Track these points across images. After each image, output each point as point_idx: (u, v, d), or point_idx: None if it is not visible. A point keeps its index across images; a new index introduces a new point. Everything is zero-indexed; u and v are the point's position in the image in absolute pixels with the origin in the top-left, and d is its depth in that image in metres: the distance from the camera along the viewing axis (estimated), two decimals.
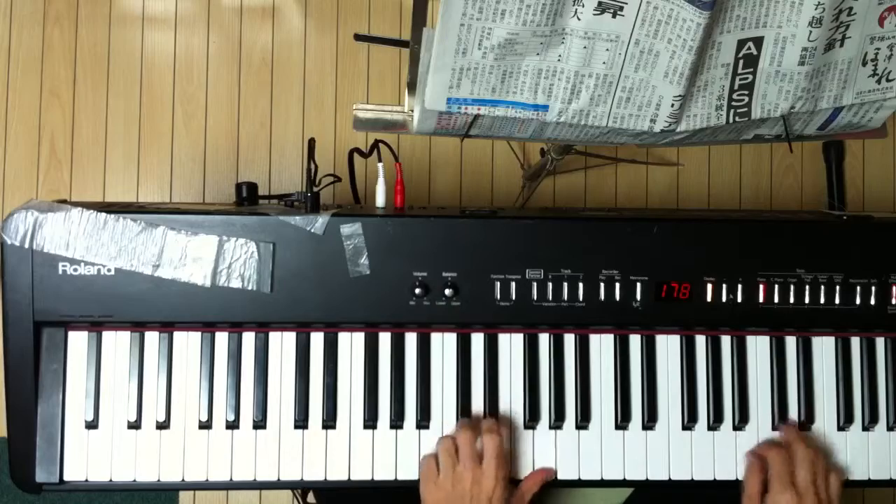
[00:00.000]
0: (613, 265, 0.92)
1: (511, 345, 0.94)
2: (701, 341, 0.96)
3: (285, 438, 0.92)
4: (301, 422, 0.92)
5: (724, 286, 0.93)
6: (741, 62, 0.82)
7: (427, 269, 0.91)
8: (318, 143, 0.97)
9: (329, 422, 0.92)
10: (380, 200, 0.97)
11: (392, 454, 0.92)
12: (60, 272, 0.88)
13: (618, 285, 0.92)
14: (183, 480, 0.91)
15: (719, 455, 0.95)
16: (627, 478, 0.94)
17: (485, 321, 0.93)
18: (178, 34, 1.63)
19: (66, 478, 0.90)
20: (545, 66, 0.80)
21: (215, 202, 1.63)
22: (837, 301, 0.94)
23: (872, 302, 0.94)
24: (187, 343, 0.92)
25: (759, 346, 0.96)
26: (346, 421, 0.92)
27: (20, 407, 0.89)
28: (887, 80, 0.86)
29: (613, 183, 1.66)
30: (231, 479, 0.91)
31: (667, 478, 0.94)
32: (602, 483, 0.93)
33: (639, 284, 0.93)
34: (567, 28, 0.77)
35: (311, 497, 1.23)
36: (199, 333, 0.92)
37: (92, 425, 0.90)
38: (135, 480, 0.91)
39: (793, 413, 0.95)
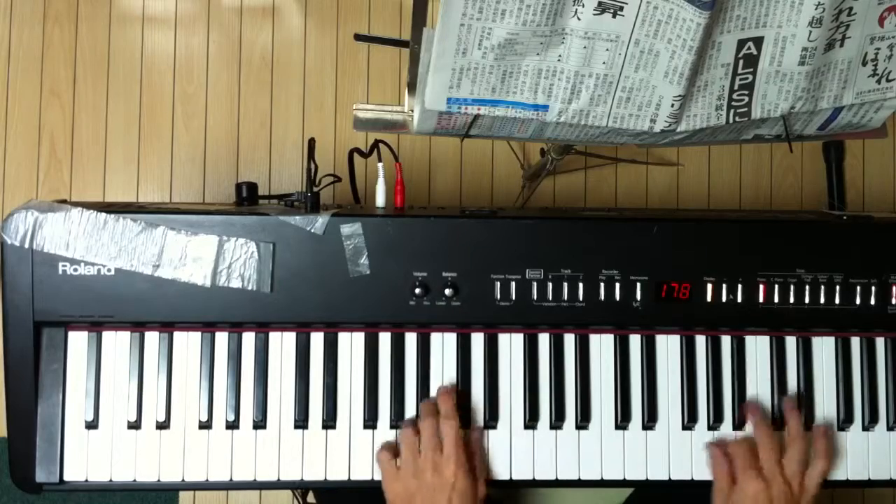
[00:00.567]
0: (613, 265, 0.92)
1: (511, 345, 0.94)
2: (701, 341, 0.96)
3: (285, 438, 0.92)
4: (301, 422, 0.92)
5: (724, 286, 0.93)
6: (741, 62, 0.82)
7: (427, 269, 0.91)
8: (318, 143, 0.97)
9: (329, 422, 0.92)
10: (380, 200, 0.97)
11: None
12: (60, 272, 0.88)
13: (618, 285, 0.92)
14: (183, 480, 0.91)
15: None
16: (627, 478, 0.94)
17: (485, 321, 0.93)
18: (178, 34, 1.63)
19: (66, 478, 0.90)
20: (545, 66, 0.80)
21: (215, 202, 1.63)
22: (837, 301, 0.94)
23: (872, 302, 0.95)
24: (187, 343, 0.92)
25: (759, 346, 0.96)
26: (346, 421, 0.92)
27: (20, 407, 0.89)
28: (887, 80, 0.86)
29: (613, 183, 1.66)
30: (231, 479, 0.91)
31: (667, 478, 0.94)
32: (602, 483, 0.93)
33: (639, 284, 0.93)
34: (567, 28, 0.77)
35: (311, 497, 1.23)
36: (199, 333, 0.92)
37: (92, 425, 0.90)
38: (135, 480, 0.91)
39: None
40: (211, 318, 0.91)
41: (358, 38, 1.16)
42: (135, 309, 0.89)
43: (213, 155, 1.62)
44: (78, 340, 0.91)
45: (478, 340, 0.94)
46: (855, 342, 0.97)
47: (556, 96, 0.81)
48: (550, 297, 0.92)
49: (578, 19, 0.76)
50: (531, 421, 0.93)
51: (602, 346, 0.95)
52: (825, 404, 0.96)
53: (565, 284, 0.92)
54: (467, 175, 1.64)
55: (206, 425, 0.91)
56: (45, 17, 1.61)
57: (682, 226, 0.94)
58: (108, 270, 0.88)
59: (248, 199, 0.97)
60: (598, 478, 0.93)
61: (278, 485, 0.93)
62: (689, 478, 0.94)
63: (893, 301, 0.95)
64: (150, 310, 0.89)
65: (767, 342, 0.96)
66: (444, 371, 0.93)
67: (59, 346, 0.90)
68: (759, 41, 0.80)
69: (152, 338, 0.92)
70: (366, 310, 0.91)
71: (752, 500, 0.87)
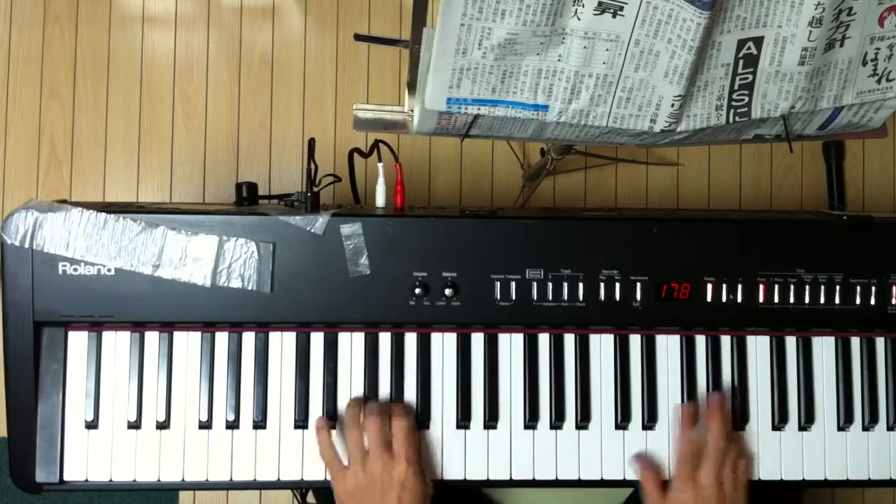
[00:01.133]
0: (613, 265, 0.92)
1: (511, 345, 0.94)
2: (701, 341, 0.96)
3: (285, 438, 0.92)
4: (301, 422, 0.92)
5: (724, 286, 0.93)
6: (741, 62, 0.82)
7: (427, 269, 0.91)
8: (318, 143, 0.97)
9: (329, 422, 0.92)
10: (380, 200, 0.97)
11: None
12: (60, 272, 0.88)
13: (618, 285, 0.92)
14: (183, 480, 0.91)
15: None
16: (627, 478, 0.94)
17: (485, 321, 0.93)
18: (178, 34, 1.63)
19: (66, 478, 0.90)
20: (545, 66, 0.80)
21: (215, 202, 1.63)
22: (837, 301, 0.94)
23: (872, 302, 0.95)
24: (187, 343, 0.92)
25: (759, 346, 0.96)
26: None
27: (20, 407, 0.89)
28: (887, 80, 0.86)
29: (613, 183, 1.66)
30: (231, 479, 0.91)
31: (667, 478, 0.93)
32: (602, 483, 0.93)
33: (639, 284, 0.93)
34: (567, 28, 0.77)
35: (310, 497, 1.23)
36: (199, 333, 0.92)
37: (92, 425, 0.90)
38: (135, 480, 0.91)
39: (793, 413, 0.95)
40: (211, 318, 0.91)
41: (358, 38, 1.15)
42: (135, 309, 0.89)
43: (213, 155, 1.62)
44: (78, 340, 0.91)
45: (478, 340, 0.94)
46: (855, 342, 0.97)
47: (556, 96, 0.81)
48: (550, 297, 0.92)
49: (578, 19, 0.76)
50: (531, 421, 0.93)
51: (602, 346, 0.95)
52: (825, 404, 0.96)
53: (565, 284, 0.92)
54: (467, 175, 1.64)
55: (206, 425, 0.91)
56: (45, 18, 1.61)
57: (682, 226, 0.94)
58: (108, 270, 0.88)
59: (248, 199, 0.97)
60: (599, 478, 0.93)
61: (278, 485, 0.93)
62: None
63: (893, 301, 0.95)
64: (150, 310, 0.89)
65: (767, 342, 0.96)
66: (444, 371, 0.93)
67: (59, 346, 0.90)
68: (759, 41, 0.80)
69: (152, 338, 0.92)
70: (366, 310, 0.91)
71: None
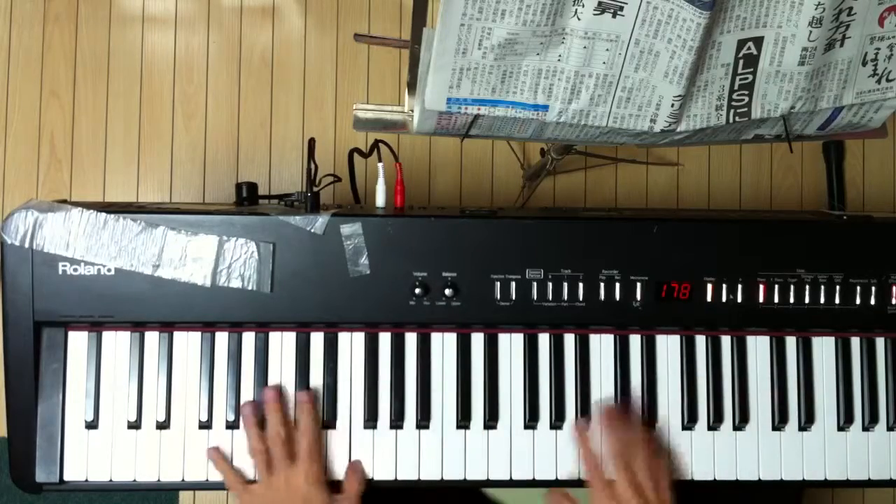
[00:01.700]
0: (613, 265, 0.92)
1: (511, 345, 0.94)
2: (701, 341, 0.96)
3: None
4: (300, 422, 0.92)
5: (724, 286, 0.93)
6: (741, 62, 0.82)
7: (427, 269, 0.91)
8: (318, 143, 0.96)
9: (329, 422, 0.92)
10: (380, 200, 0.97)
11: (392, 454, 0.92)
12: (60, 272, 0.88)
13: (618, 285, 0.92)
14: (183, 480, 0.91)
15: (719, 455, 0.95)
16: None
17: (485, 321, 0.93)
18: (178, 34, 1.63)
19: (66, 478, 0.90)
20: (545, 66, 0.80)
21: (215, 202, 1.63)
22: (837, 301, 0.94)
23: (872, 302, 0.95)
24: (187, 343, 0.92)
25: (759, 346, 0.96)
26: (346, 421, 0.92)
27: (20, 407, 0.89)
28: (887, 80, 0.86)
29: (613, 183, 1.66)
30: None
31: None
32: None
33: (639, 284, 0.93)
34: (567, 28, 0.77)
35: None
36: (199, 333, 0.92)
37: (92, 425, 0.90)
38: (135, 480, 0.91)
39: (793, 413, 0.95)
40: (211, 318, 0.91)
41: (358, 38, 1.16)
42: (135, 309, 0.89)
43: (213, 155, 1.62)
44: (78, 340, 0.91)
45: (478, 340, 0.94)
46: (855, 342, 0.97)
47: (556, 96, 0.81)
48: (550, 297, 0.92)
49: (578, 19, 0.76)
50: (531, 421, 0.93)
51: (602, 346, 0.95)
52: (825, 404, 0.96)
53: (565, 284, 0.92)
54: (467, 175, 1.64)
55: (206, 425, 0.91)
56: (45, 18, 1.61)
57: (682, 226, 0.94)
58: (108, 270, 0.88)
59: (248, 199, 0.97)
60: None
61: None
62: (689, 478, 0.94)
63: (893, 301, 0.95)
64: (150, 310, 0.89)
65: (767, 342, 0.96)
66: (444, 371, 0.93)
67: (59, 346, 0.90)
68: (759, 41, 0.80)
69: (152, 338, 0.92)
70: (366, 310, 0.91)
71: None
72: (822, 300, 0.94)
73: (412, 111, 0.88)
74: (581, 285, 0.92)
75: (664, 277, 0.93)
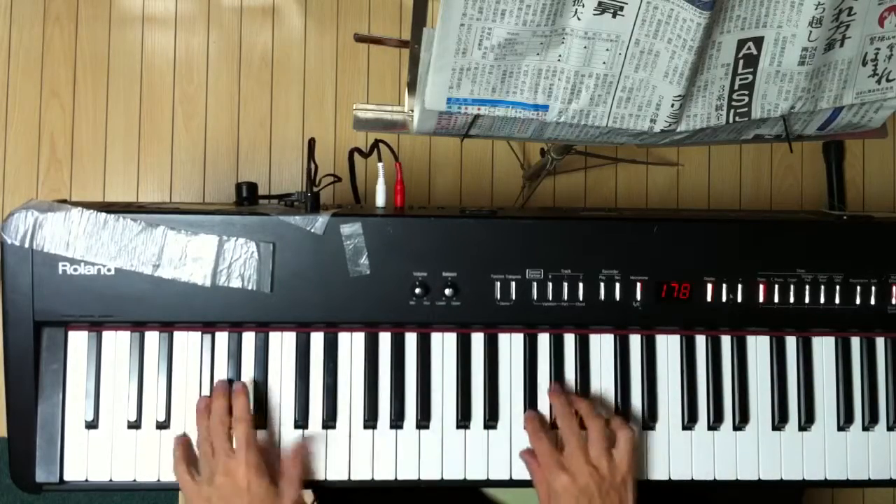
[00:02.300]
0: (613, 265, 0.92)
1: (511, 345, 0.94)
2: (701, 341, 0.96)
3: (285, 438, 0.92)
4: (301, 421, 0.92)
5: (724, 286, 0.93)
6: (741, 62, 0.82)
7: (427, 269, 0.91)
8: (318, 142, 0.96)
9: (329, 422, 0.92)
10: (380, 200, 0.97)
11: (392, 454, 0.92)
12: (60, 272, 0.88)
13: (618, 285, 0.92)
14: None
15: (719, 455, 0.95)
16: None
17: (485, 321, 0.93)
18: (178, 34, 1.63)
19: (66, 478, 0.90)
20: (545, 66, 0.80)
21: (215, 202, 1.63)
22: (837, 301, 0.94)
23: (872, 302, 0.95)
24: (187, 343, 0.92)
25: (759, 346, 0.96)
26: (346, 421, 0.92)
27: (20, 407, 0.89)
28: (887, 80, 0.86)
29: (613, 183, 1.66)
30: None
31: (667, 478, 0.94)
32: None
33: (639, 284, 0.93)
34: (567, 28, 0.77)
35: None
36: (199, 333, 0.92)
37: (92, 425, 0.90)
38: (135, 480, 0.91)
39: (793, 413, 0.95)
40: (211, 318, 0.91)
41: (358, 38, 1.16)
42: (135, 309, 0.89)
43: (213, 155, 1.62)
44: (78, 340, 0.91)
45: (478, 340, 0.94)
46: (855, 342, 0.97)
47: (556, 96, 0.81)
48: (550, 297, 0.92)
49: (578, 19, 0.76)
50: None
51: (602, 346, 0.95)
52: (825, 404, 0.96)
53: (565, 284, 0.92)
54: (467, 175, 1.64)
55: None
56: (45, 18, 1.61)
57: (682, 226, 0.94)
58: (108, 270, 0.88)
59: (248, 199, 0.97)
60: None
61: None
62: (689, 478, 0.94)
63: (893, 301, 0.95)
64: (150, 310, 0.89)
65: (767, 342, 0.96)
66: (444, 371, 0.93)
67: (59, 346, 0.90)
68: (759, 41, 0.80)
69: (152, 338, 0.92)
70: (366, 310, 0.91)
71: (565, 496, 0.85)
72: (822, 300, 0.94)
73: (412, 111, 0.88)
74: (581, 285, 0.92)
75: (664, 277, 0.93)
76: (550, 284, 0.92)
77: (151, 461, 0.91)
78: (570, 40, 0.78)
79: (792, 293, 0.94)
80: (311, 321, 0.92)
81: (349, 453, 0.92)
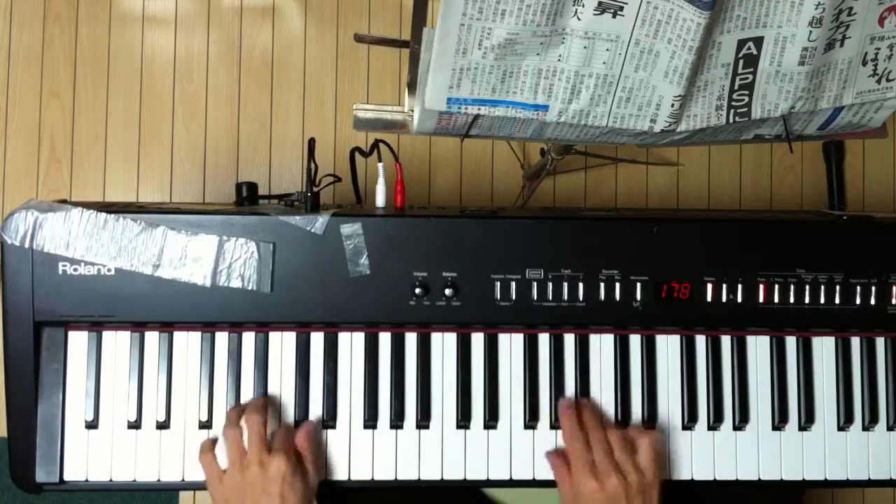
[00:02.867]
0: (613, 265, 0.92)
1: (511, 345, 0.94)
2: (701, 341, 0.96)
3: None
4: (301, 422, 0.92)
5: (724, 286, 0.93)
6: (741, 62, 0.82)
7: (427, 269, 0.91)
8: (318, 142, 0.97)
9: (329, 421, 0.92)
10: (380, 200, 0.97)
11: (392, 454, 0.92)
12: (60, 272, 0.88)
13: (618, 285, 0.92)
14: (183, 480, 0.91)
15: (719, 455, 0.95)
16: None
17: (485, 321, 0.93)
18: (178, 34, 1.63)
19: (66, 478, 0.90)
20: (545, 66, 0.80)
21: (215, 202, 1.63)
22: (837, 301, 0.94)
23: (872, 302, 0.95)
24: (187, 343, 0.92)
25: (759, 346, 0.96)
26: (346, 421, 0.92)
27: (20, 407, 0.89)
28: (887, 80, 0.86)
29: (613, 183, 1.66)
30: None
31: (667, 478, 0.93)
32: None
33: (639, 284, 0.93)
34: (567, 28, 0.77)
35: None
36: (199, 333, 0.92)
37: (92, 425, 0.90)
38: (135, 480, 0.91)
39: (793, 413, 0.95)
40: (211, 318, 0.91)
41: (358, 38, 1.16)
42: (135, 309, 0.89)
43: (213, 155, 1.62)
44: (78, 340, 0.91)
45: (478, 340, 0.94)
46: (855, 342, 0.97)
47: (556, 96, 0.81)
48: (550, 297, 0.92)
49: (578, 19, 0.76)
50: (531, 421, 0.93)
51: (602, 346, 0.95)
52: (825, 404, 0.96)
53: (565, 284, 0.92)
54: (467, 175, 1.64)
55: (206, 425, 0.91)
56: (45, 17, 1.61)
57: (682, 226, 0.94)
58: (108, 270, 0.88)
59: (248, 199, 0.97)
60: None
61: None
62: (689, 478, 0.94)
63: (893, 301, 0.95)
64: (150, 310, 0.89)
65: (767, 342, 0.96)
66: (444, 371, 0.93)
67: (59, 346, 0.90)
68: (759, 41, 0.80)
69: (152, 338, 0.92)
70: (366, 310, 0.91)
71: (591, 501, 0.86)
72: (822, 300, 0.94)
73: (412, 111, 0.88)
74: (581, 285, 0.92)
75: (664, 277, 0.93)
76: (550, 284, 0.92)
77: (151, 461, 0.91)
78: (570, 40, 0.78)
79: (792, 293, 0.94)
80: (311, 321, 0.92)
81: (349, 453, 0.92)
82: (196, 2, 1.64)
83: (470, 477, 0.93)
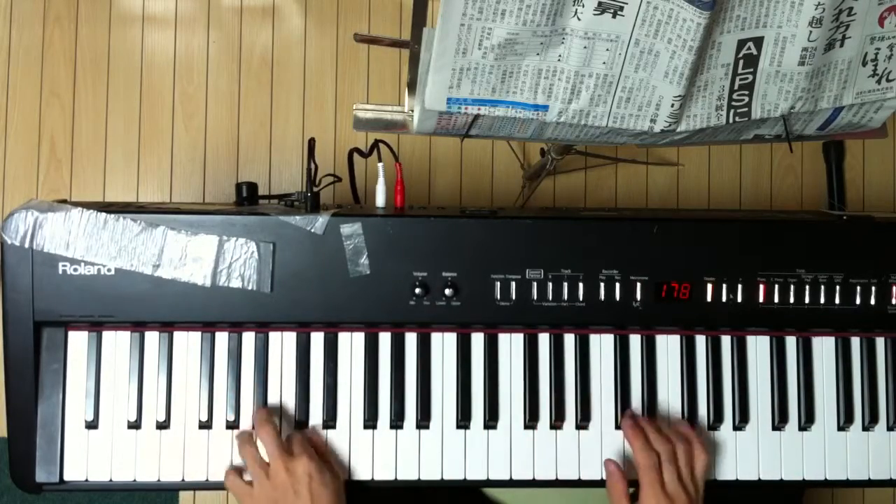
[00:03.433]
0: (613, 265, 0.92)
1: (511, 345, 0.94)
2: (701, 341, 0.96)
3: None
4: (301, 422, 0.92)
5: (724, 286, 0.93)
6: (741, 62, 0.82)
7: (427, 269, 0.91)
8: (318, 142, 0.97)
9: (329, 422, 0.92)
10: (380, 200, 0.97)
11: (392, 454, 0.92)
12: (60, 272, 0.88)
13: (618, 285, 0.92)
14: (183, 480, 0.91)
15: (719, 455, 0.95)
16: (628, 478, 0.93)
17: (485, 321, 0.93)
18: (178, 34, 1.63)
19: (66, 478, 0.90)
20: (545, 66, 0.80)
21: (215, 202, 1.63)
22: (837, 301, 0.94)
23: (872, 302, 0.95)
24: (187, 343, 0.92)
25: (759, 346, 0.96)
26: (346, 421, 0.92)
27: (20, 407, 0.89)
28: (887, 80, 0.86)
29: (613, 183, 1.66)
30: None
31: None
32: (602, 483, 0.93)
33: (639, 284, 0.93)
34: (567, 28, 0.77)
35: None
36: (199, 333, 0.92)
37: (92, 425, 0.90)
38: (135, 480, 0.91)
39: (793, 413, 0.95)
40: (211, 318, 0.91)
41: (358, 38, 1.16)
42: (135, 309, 0.89)
43: (213, 155, 1.62)
44: (78, 340, 0.91)
45: (478, 340, 0.94)
46: (855, 342, 0.97)
47: (556, 96, 0.81)
48: (550, 297, 0.92)
49: (578, 19, 0.76)
50: (531, 421, 0.93)
51: (602, 346, 0.95)
52: (825, 404, 0.96)
53: (565, 284, 0.92)
54: (467, 175, 1.64)
55: (206, 425, 0.91)
56: (45, 18, 1.61)
57: (682, 226, 0.94)
58: (108, 270, 0.88)
59: (248, 199, 0.97)
60: (599, 478, 0.93)
61: None
62: None
63: (893, 301, 0.95)
64: (150, 310, 0.89)
65: (767, 342, 0.96)
66: (444, 371, 0.93)
67: (59, 346, 0.90)
68: (759, 41, 0.80)
69: (152, 338, 0.92)
70: (366, 310, 0.91)
71: None
72: (822, 300, 0.94)
73: (412, 111, 0.88)
74: (581, 285, 0.92)
75: (664, 277, 0.93)
76: (550, 284, 0.92)
77: (151, 461, 0.91)
78: (570, 40, 0.78)
79: (792, 293, 0.94)
80: (311, 321, 0.92)
81: (349, 453, 0.92)
82: (196, 2, 1.64)
83: (470, 477, 0.93)
